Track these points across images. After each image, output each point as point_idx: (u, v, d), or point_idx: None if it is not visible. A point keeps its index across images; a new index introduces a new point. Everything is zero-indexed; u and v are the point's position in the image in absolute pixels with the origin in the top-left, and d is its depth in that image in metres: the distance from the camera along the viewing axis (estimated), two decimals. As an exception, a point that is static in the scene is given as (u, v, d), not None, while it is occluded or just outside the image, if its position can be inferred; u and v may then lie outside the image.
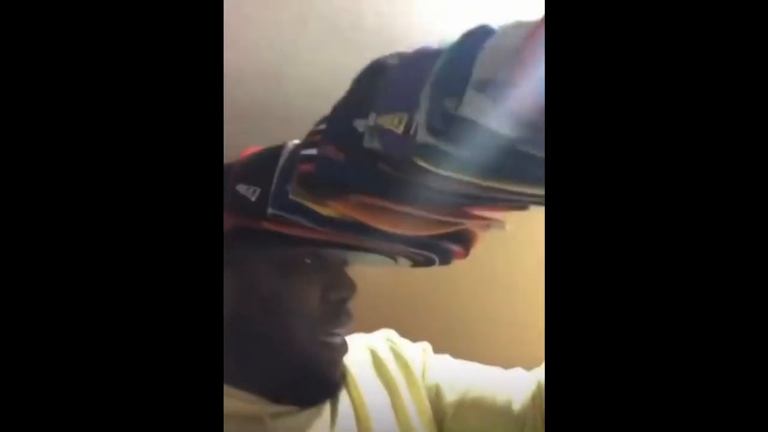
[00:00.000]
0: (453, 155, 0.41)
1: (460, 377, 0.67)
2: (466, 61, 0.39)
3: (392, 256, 0.62)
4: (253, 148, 0.61)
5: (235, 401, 0.58)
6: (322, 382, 0.60)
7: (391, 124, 0.44)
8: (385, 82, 0.46)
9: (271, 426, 0.58)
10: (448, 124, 0.39)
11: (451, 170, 0.43)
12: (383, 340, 0.72)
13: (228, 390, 0.58)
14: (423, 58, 0.45)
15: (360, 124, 0.46)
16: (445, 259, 0.61)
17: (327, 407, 0.61)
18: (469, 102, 0.38)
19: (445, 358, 0.72)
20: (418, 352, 0.71)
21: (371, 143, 0.45)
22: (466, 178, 0.44)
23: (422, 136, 0.41)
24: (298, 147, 0.55)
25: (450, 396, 0.66)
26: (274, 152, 0.57)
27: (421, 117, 0.41)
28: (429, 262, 0.62)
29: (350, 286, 0.60)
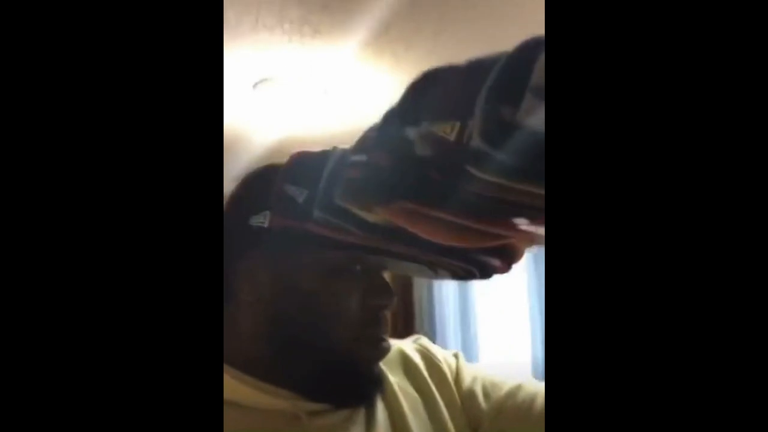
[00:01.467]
0: (507, 163, 0.41)
1: (494, 385, 0.67)
2: (523, 68, 0.40)
3: (432, 266, 0.62)
4: (301, 151, 0.62)
5: (272, 398, 0.59)
6: (359, 384, 0.60)
7: (443, 132, 0.44)
8: (438, 90, 0.46)
9: (307, 423, 0.59)
10: (504, 132, 0.40)
11: (504, 178, 0.43)
12: (415, 344, 0.72)
13: (266, 387, 0.59)
14: (476, 68, 0.45)
15: (411, 132, 0.47)
16: (486, 273, 0.61)
17: (362, 410, 0.61)
18: (527, 109, 0.38)
19: (478, 366, 0.72)
20: (450, 358, 0.71)
21: (423, 151, 0.46)
22: (519, 187, 0.44)
23: (476, 143, 0.41)
24: (346, 152, 0.56)
25: (485, 403, 0.65)
26: (324, 156, 0.58)
27: (475, 124, 0.42)
28: (469, 276, 0.62)
29: (389, 293, 0.61)
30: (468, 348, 3.71)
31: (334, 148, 0.60)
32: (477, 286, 3.67)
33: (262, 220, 0.60)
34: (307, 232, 0.56)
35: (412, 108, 0.47)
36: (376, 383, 0.62)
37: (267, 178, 0.62)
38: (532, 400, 0.65)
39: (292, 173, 0.59)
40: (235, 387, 0.59)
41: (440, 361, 0.71)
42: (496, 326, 3.86)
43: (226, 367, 0.60)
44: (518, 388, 0.67)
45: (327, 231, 0.55)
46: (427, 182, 0.48)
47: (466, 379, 0.69)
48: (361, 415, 0.61)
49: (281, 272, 0.60)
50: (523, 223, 0.53)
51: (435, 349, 0.73)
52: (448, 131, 0.44)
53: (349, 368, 0.60)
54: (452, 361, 0.72)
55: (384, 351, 0.62)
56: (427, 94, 0.47)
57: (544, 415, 0.63)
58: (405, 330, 3.65)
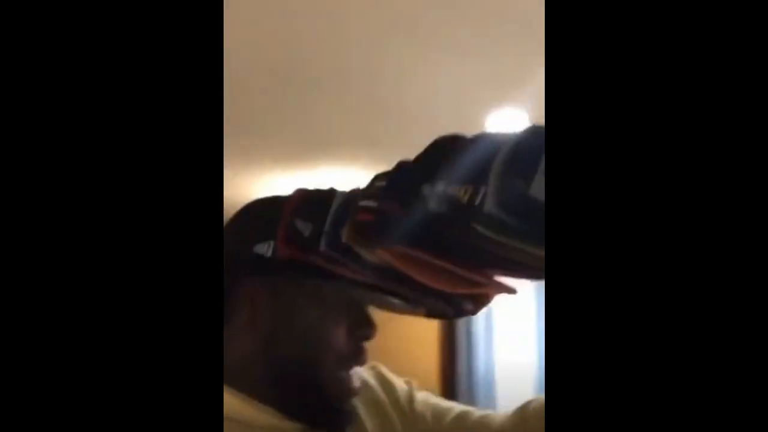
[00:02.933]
0: (511, 225, 0.50)
1: (446, 410, 0.75)
2: (535, 150, 0.48)
3: (414, 303, 0.69)
4: (306, 189, 0.68)
5: (258, 413, 0.64)
6: (338, 409, 0.66)
7: (458, 194, 0.52)
8: (455, 157, 0.54)
9: None
10: (517, 201, 0.48)
11: (504, 236, 0.51)
12: (370, 369, 0.79)
13: (254, 403, 0.64)
14: (488, 141, 0.54)
15: (426, 189, 0.55)
16: (459, 314, 0.69)
17: None
18: (537, 184, 0.47)
19: (430, 394, 0.79)
20: (403, 384, 0.78)
21: (437, 207, 0.53)
22: (515, 245, 0.52)
23: (489, 207, 0.50)
24: (351, 195, 0.63)
25: (434, 425, 0.73)
26: (328, 195, 0.65)
27: (490, 191, 0.50)
28: (444, 315, 0.69)
29: (373, 326, 0.68)
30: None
31: (334, 190, 0.67)
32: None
33: (266, 249, 0.65)
34: (310, 264, 0.62)
35: (430, 169, 0.55)
36: (352, 410, 0.68)
37: (271, 209, 0.67)
38: (480, 424, 0.73)
39: (300, 208, 0.65)
40: (226, 401, 0.64)
41: (393, 384, 0.78)
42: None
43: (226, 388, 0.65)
44: (466, 413, 0.75)
45: (329, 265, 0.62)
46: (433, 234, 0.56)
47: (418, 402, 0.77)
48: None
49: (280, 300, 0.65)
50: (503, 275, 0.62)
51: (389, 374, 0.80)
52: (462, 194, 0.52)
53: (331, 394, 0.66)
54: (405, 386, 0.79)
55: (361, 382, 0.68)
56: (443, 159, 0.55)
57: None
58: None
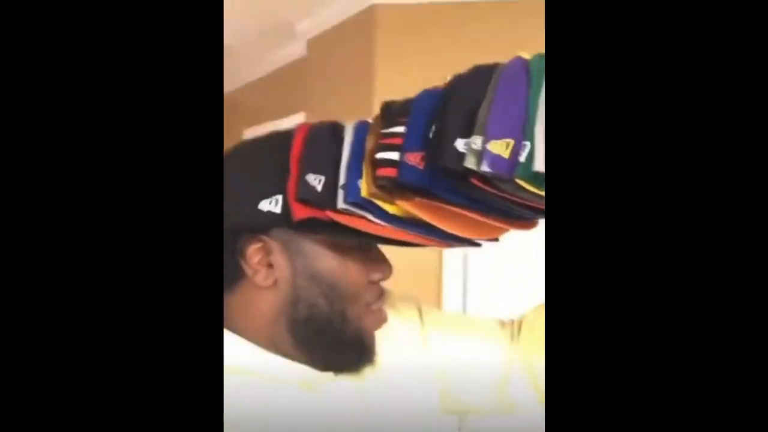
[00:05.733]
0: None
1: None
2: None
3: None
4: (310, 126, 0.64)
5: (287, 367, 0.63)
6: (365, 349, 0.66)
7: (499, 149, 0.50)
8: (490, 110, 0.52)
9: (320, 390, 0.65)
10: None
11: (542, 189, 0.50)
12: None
13: (284, 361, 0.63)
14: (506, 93, 0.52)
15: (460, 144, 0.52)
16: (472, 245, 0.68)
17: (361, 374, 0.67)
18: None
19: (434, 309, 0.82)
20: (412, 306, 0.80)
21: (474, 163, 0.51)
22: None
23: (538, 165, 0.48)
24: (359, 135, 0.59)
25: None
26: (336, 138, 0.62)
27: (538, 148, 0.48)
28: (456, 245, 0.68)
29: (389, 267, 0.67)
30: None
31: (342, 126, 0.63)
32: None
33: (273, 204, 0.61)
34: (328, 221, 0.59)
35: (465, 122, 0.52)
36: (373, 349, 0.67)
37: (273, 155, 0.63)
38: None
39: (309, 157, 0.61)
40: (256, 360, 0.63)
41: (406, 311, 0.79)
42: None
43: (247, 343, 0.64)
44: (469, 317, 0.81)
45: (348, 220, 0.59)
46: (465, 187, 0.54)
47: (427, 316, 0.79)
48: (360, 377, 0.67)
49: (297, 255, 0.63)
50: (525, 218, 0.61)
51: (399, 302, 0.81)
52: (504, 149, 0.50)
53: (355, 338, 0.65)
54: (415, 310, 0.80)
55: (384, 319, 0.68)
56: (472, 111, 0.52)
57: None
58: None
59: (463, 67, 0.58)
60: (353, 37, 2.37)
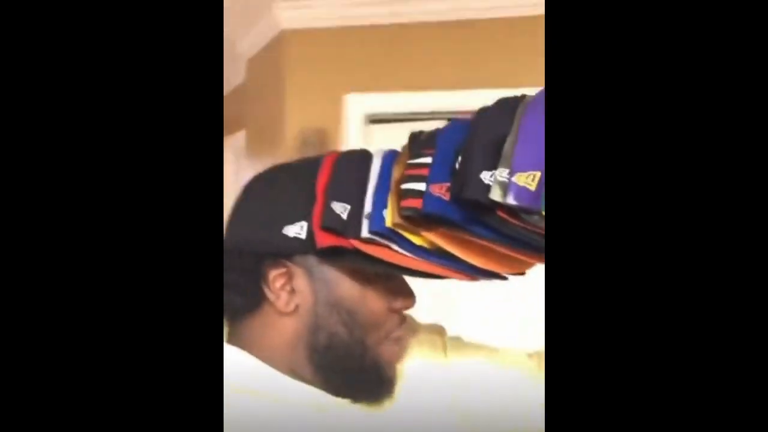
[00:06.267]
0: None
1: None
2: None
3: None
4: (337, 156, 0.64)
5: (304, 393, 0.63)
6: (384, 380, 0.66)
7: (525, 182, 0.50)
8: (516, 142, 0.52)
9: (335, 414, 0.64)
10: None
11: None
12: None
13: (300, 385, 0.63)
14: (530, 126, 0.52)
15: (487, 176, 0.52)
16: (498, 278, 0.67)
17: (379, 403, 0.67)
18: None
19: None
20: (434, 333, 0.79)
21: (500, 195, 0.51)
22: None
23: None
24: (397, 179, 0.59)
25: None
26: (363, 166, 0.62)
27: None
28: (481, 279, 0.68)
29: (412, 296, 0.66)
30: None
31: (370, 156, 0.63)
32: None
33: (298, 230, 0.62)
34: (352, 249, 0.59)
35: (491, 154, 0.52)
36: (393, 381, 0.67)
37: (299, 182, 0.64)
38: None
39: (335, 186, 0.61)
40: (274, 383, 0.63)
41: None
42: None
43: (267, 367, 0.64)
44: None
45: (373, 250, 0.59)
46: (490, 220, 0.54)
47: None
48: (377, 407, 0.67)
49: (320, 282, 0.63)
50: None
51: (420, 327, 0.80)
52: (530, 181, 0.50)
53: (374, 368, 0.65)
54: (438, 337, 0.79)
55: (405, 349, 0.67)
56: (493, 142, 0.52)
57: None
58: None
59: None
60: (278, 58, 2.49)
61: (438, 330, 0.80)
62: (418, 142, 0.61)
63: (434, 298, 1.29)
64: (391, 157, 0.63)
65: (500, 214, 0.53)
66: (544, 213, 0.50)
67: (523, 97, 0.56)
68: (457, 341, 0.80)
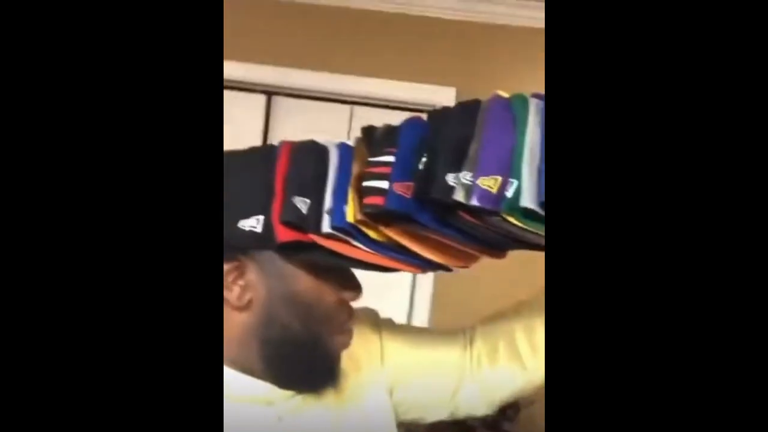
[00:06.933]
0: (541, 216, 0.52)
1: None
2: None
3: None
4: (293, 146, 0.65)
5: (253, 388, 0.64)
6: (332, 371, 0.68)
7: (487, 185, 0.53)
8: (480, 147, 0.55)
9: (281, 408, 0.66)
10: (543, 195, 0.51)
11: (524, 223, 0.54)
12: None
13: (248, 380, 0.64)
14: (495, 130, 0.55)
15: (451, 178, 0.55)
16: (445, 270, 0.70)
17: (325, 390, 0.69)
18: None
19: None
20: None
21: (462, 196, 0.54)
22: (530, 228, 0.54)
23: (526, 202, 0.51)
24: (357, 176, 0.60)
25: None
26: (320, 159, 0.63)
27: (527, 186, 0.51)
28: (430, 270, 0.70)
29: (359, 288, 0.68)
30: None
31: (326, 148, 0.64)
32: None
33: (254, 224, 0.61)
34: (311, 243, 0.60)
35: (455, 157, 0.55)
36: (338, 370, 0.69)
37: (255, 173, 0.63)
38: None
39: (294, 179, 0.61)
40: (228, 381, 0.63)
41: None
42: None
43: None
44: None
45: (332, 244, 0.60)
46: (451, 218, 0.56)
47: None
48: (324, 394, 0.69)
49: (274, 276, 0.63)
50: (505, 248, 0.64)
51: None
52: (492, 185, 0.53)
53: (323, 358, 0.67)
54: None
55: (351, 338, 0.69)
56: (464, 147, 0.55)
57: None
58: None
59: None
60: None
61: (372, 314, 0.82)
62: (375, 139, 0.63)
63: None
64: (346, 150, 0.64)
65: (462, 213, 0.56)
66: (503, 215, 0.53)
67: (478, 102, 0.59)
68: (390, 324, 0.83)
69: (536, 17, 2.39)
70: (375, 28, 2.53)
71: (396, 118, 0.64)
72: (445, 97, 2.41)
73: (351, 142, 0.65)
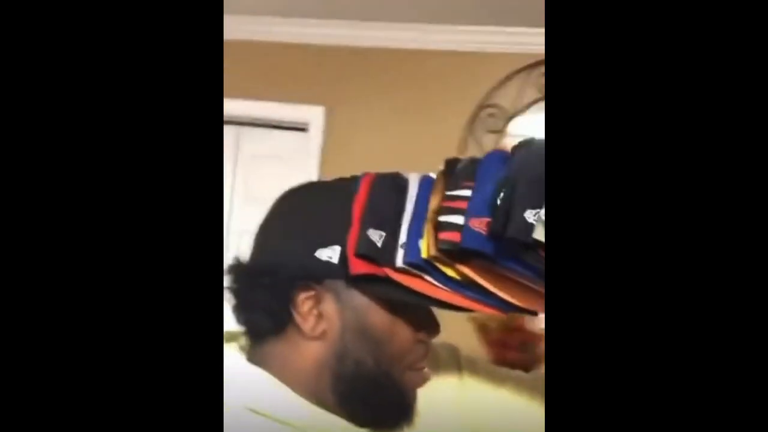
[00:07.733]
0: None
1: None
2: None
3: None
4: (370, 176, 0.64)
5: (327, 423, 0.63)
6: (406, 409, 0.65)
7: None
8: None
9: None
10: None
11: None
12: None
13: (323, 413, 0.63)
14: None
15: (530, 215, 0.51)
16: (530, 314, 0.66)
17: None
18: None
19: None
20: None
21: (543, 235, 0.50)
22: None
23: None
24: (434, 210, 0.58)
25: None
26: (398, 191, 0.62)
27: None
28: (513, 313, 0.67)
29: (437, 326, 0.66)
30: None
31: (406, 181, 0.63)
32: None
33: (331, 254, 0.61)
34: (385, 278, 0.59)
35: (535, 193, 0.52)
36: (413, 409, 0.66)
37: (334, 206, 0.63)
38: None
39: (372, 214, 0.60)
40: (296, 410, 0.62)
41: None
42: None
43: (288, 390, 0.63)
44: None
45: (406, 280, 0.58)
46: (530, 258, 0.53)
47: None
48: None
49: (349, 308, 0.62)
50: None
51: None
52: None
53: (396, 396, 0.64)
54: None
55: (426, 379, 0.67)
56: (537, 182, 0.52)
57: None
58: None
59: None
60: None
61: (453, 349, 0.79)
62: (455, 171, 0.61)
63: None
64: (427, 183, 0.62)
65: (542, 253, 0.52)
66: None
67: None
68: (472, 359, 0.79)
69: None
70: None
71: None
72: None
73: (433, 175, 0.64)
